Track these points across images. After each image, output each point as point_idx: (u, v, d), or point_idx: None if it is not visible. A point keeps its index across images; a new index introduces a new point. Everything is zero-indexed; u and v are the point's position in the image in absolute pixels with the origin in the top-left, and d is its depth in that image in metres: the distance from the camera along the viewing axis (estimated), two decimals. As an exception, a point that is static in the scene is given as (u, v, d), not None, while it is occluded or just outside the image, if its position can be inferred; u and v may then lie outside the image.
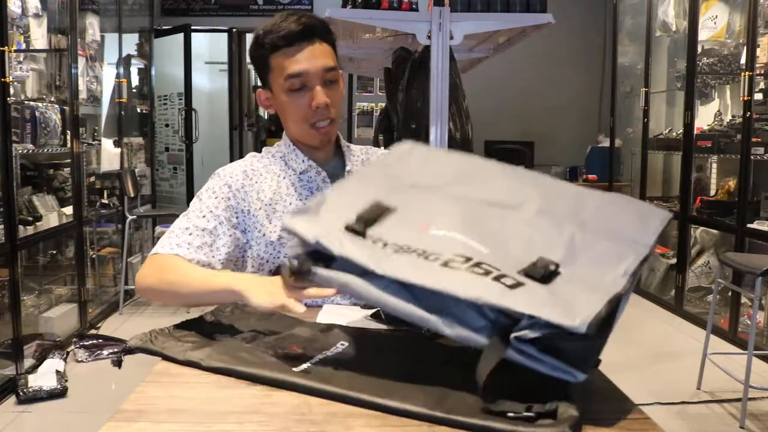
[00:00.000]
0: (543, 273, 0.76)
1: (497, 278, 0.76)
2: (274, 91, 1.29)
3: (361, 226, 0.87)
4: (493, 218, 0.88)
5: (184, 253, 1.19)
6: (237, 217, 1.27)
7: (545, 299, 0.73)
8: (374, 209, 0.91)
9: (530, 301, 0.72)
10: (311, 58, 1.23)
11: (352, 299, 1.19)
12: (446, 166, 1.03)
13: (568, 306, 0.71)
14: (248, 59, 7.46)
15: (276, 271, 1.26)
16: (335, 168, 1.37)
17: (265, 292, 0.99)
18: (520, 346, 0.72)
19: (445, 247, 0.82)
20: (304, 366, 0.86)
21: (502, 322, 0.74)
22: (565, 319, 0.69)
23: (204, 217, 1.24)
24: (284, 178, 1.32)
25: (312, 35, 1.24)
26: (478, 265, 0.78)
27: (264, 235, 1.27)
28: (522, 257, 0.80)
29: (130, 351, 0.96)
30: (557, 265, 0.78)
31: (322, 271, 0.85)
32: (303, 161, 1.33)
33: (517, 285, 0.75)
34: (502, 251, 0.81)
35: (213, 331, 1.03)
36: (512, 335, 0.72)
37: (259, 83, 1.39)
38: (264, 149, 1.40)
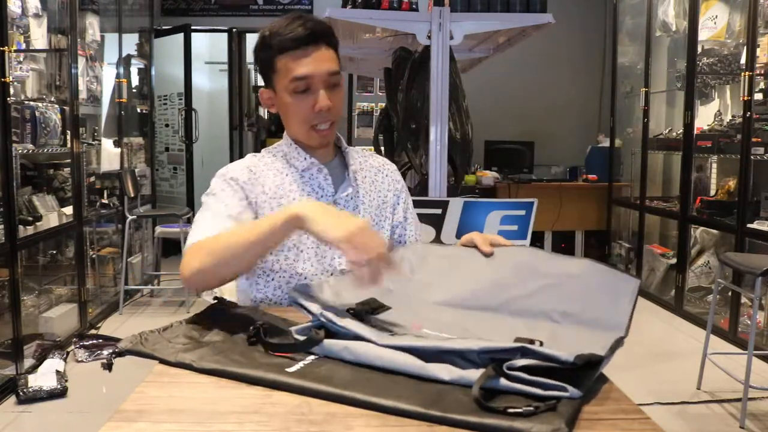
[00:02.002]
0: (529, 340, 0.84)
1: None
2: (277, 92, 1.31)
3: (360, 312, 0.96)
4: (478, 324, 0.99)
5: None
6: (250, 207, 1.30)
7: (536, 347, 0.81)
8: (371, 302, 1.01)
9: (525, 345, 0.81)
10: (317, 62, 1.25)
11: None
12: (434, 269, 1.17)
13: (557, 349, 0.80)
14: (248, 59, 7.50)
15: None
16: (335, 167, 1.39)
17: (341, 226, 0.99)
18: (512, 374, 0.77)
19: (438, 337, 0.92)
20: (298, 366, 0.86)
21: (497, 360, 0.80)
22: (557, 353, 0.78)
23: (227, 206, 1.26)
24: (287, 175, 1.35)
25: (318, 40, 1.26)
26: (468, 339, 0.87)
27: None
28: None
29: (121, 353, 0.95)
30: (541, 343, 0.85)
31: (325, 342, 0.91)
32: (305, 159, 1.35)
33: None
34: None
35: (204, 331, 1.02)
36: (505, 364, 0.78)
37: (260, 83, 1.40)
38: (263, 150, 1.42)
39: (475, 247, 1.17)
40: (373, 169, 1.45)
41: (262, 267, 1.31)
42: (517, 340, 0.83)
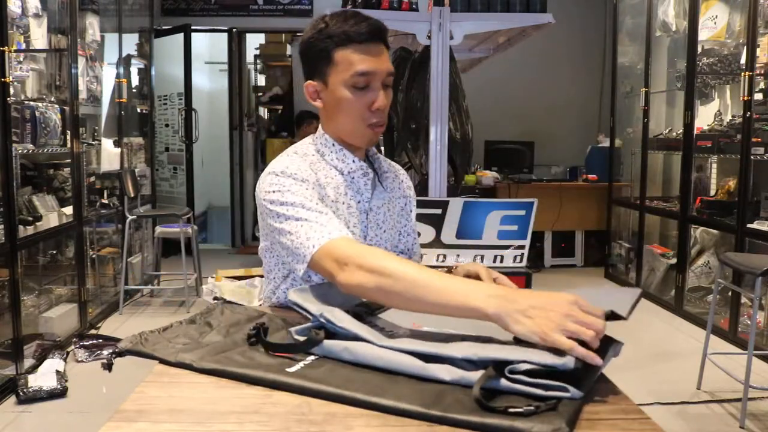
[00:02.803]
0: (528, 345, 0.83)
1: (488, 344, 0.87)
2: (329, 85, 1.25)
3: (360, 313, 0.96)
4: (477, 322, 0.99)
5: (348, 234, 1.12)
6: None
7: (537, 351, 0.81)
8: (371, 303, 1.01)
9: (524, 352, 0.81)
10: (379, 60, 1.23)
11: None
12: None
13: (557, 353, 0.80)
14: (248, 59, 7.47)
15: None
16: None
17: (532, 324, 0.83)
18: (514, 377, 0.77)
19: (439, 335, 0.93)
20: (298, 366, 0.86)
21: (497, 362, 0.80)
22: (555, 360, 0.77)
23: (317, 204, 1.17)
24: (332, 178, 1.29)
25: (379, 38, 1.24)
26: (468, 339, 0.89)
27: None
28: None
29: (121, 353, 0.95)
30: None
31: (325, 342, 0.91)
32: (354, 161, 1.31)
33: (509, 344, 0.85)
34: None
35: (204, 332, 1.03)
36: (507, 368, 0.78)
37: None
38: (296, 148, 1.33)
39: (478, 277, 1.16)
40: (391, 175, 1.44)
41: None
42: (517, 340, 0.83)
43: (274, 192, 1.19)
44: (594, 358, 0.78)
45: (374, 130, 1.27)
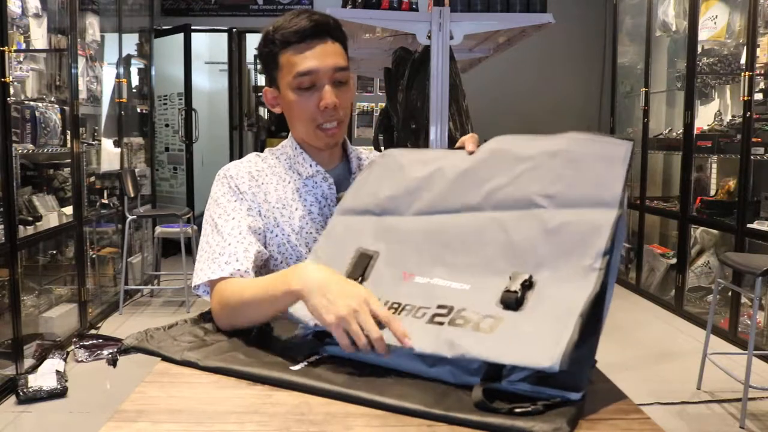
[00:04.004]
0: (516, 298, 0.80)
1: (476, 326, 0.80)
2: (281, 90, 1.24)
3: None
4: (465, 235, 0.93)
5: (237, 267, 1.13)
6: (257, 216, 1.25)
7: (521, 341, 0.76)
8: (359, 261, 0.97)
9: (507, 347, 0.76)
10: (322, 56, 1.19)
11: None
12: (406, 179, 1.06)
13: (541, 345, 0.74)
14: (248, 59, 7.46)
15: None
16: (341, 173, 1.33)
17: (332, 310, 0.87)
18: (512, 387, 0.77)
19: (429, 298, 0.88)
20: (302, 365, 0.86)
21: (493, 367, 0.78)
22: (540, 362, 0.73)
23: (234, 219, 1.20)
24: (289, 182, 1.28)
25: (324, 34, 1.20)
26: (459, 314, 0.83)
27: (276, 236, 1.25)
28: (498, 279, 0.85)
29: (126, 350, 0.95)
30: (530, 278, 0.82)
31: (330, 348, 0.91)
32: (310, 166, 1.28)
33: (496, 325, 0.79)
34: (481, 280, 0.87)
35: (208, 330, 1.03)
36: (503, 381, 0.77)
37: (261, 83, 1.37)
38: (267, 150, 1.35)
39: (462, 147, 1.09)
40: None
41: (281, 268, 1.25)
42: (504, 297, 0.81)
43: (211, 199, 1.25)
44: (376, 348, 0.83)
45: (327, 132, 1.24)
